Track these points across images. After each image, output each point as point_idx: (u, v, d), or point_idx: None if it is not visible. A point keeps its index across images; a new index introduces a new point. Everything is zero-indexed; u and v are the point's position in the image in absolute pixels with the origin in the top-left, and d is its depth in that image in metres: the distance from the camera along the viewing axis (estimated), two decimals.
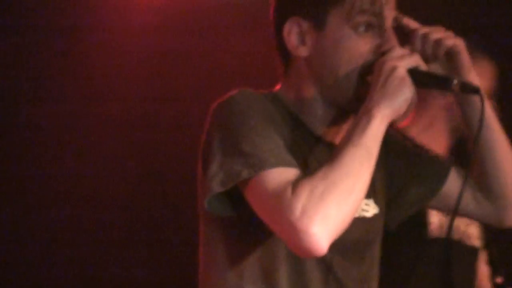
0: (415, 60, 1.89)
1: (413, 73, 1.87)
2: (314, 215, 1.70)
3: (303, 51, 1.95)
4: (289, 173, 1.78)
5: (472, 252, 2.86)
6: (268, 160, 1.78)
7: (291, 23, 1.95)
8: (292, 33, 1.95)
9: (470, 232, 2.83)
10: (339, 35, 1.92)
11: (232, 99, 1.88)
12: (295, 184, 1.74)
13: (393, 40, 1.94)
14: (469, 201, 2.16)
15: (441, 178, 2.20)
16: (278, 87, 2.02)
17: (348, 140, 1.79)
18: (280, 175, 1.77)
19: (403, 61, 1.87)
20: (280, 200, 1.73)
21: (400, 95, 1.84)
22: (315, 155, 1.94)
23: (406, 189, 2.19)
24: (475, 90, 1.91)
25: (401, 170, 2.16)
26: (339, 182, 1.73)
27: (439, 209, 2.30)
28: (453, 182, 2.20)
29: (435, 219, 2.72)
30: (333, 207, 1.72)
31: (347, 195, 1.74)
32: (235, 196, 1.84)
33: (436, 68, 2.04)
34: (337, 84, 1.93)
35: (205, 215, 1.93)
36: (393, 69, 1.85)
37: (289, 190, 1.73)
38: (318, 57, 1.94)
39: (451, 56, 2.03)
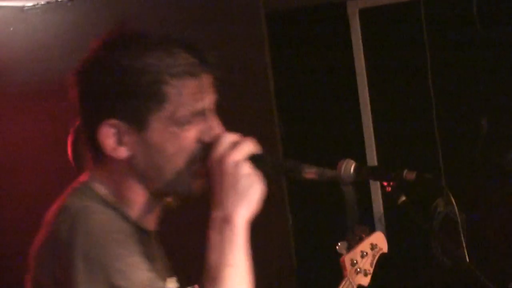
0: (250, 146, 1.83)
1: (256, 161, 1.81)
2: None
3: (122, 152, 1.84)
4: None
5: None
6: None
7: (107, 125, 1.82)
8: (109, 135, 1.83)
9: None
10: (164, 135, 1.82)
11: (85, 222, 1.76)
12: None
13: (217, 125, 1.87)
14: None
15: None
16: (87, 176, 1.90)
17: (222, 259, 1.75)
18: None
19: (240, 151, 1.81)
20: None
21: (253, 193, 1.79)
22: (148, 250, 1.86)
23: None
24: (334, 177, 1.85)
25: None
26: None
27: None
28: None
29: None
30: None
31: None
32: None
33: None
34: (167, 182, 1.84)
35: None
36: (237, 165, 1.79)
37: None
38: (141, 158, 1.84)
39: None
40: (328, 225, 4.32)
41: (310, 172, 1.85)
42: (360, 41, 4.47)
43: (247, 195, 1.78)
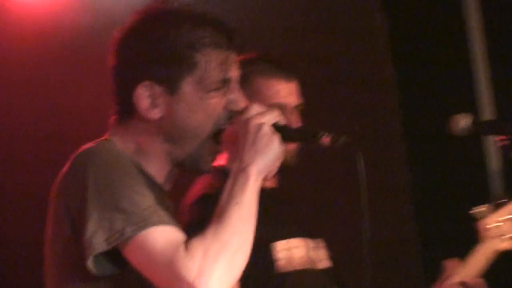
0: (275, 116, 1.99)
1: (279, 128, 1.99)
2: (211, 275, 1.80)
3: (155, 114, 2.00)
4: (173, 231, 1.85)
5: (327, 272, 2.90)
6: (150, 218, 1.84)
7: (143, 87, 2.00)
8: (143, 97, 2.00)
9: (320, 256, 2.88)
10: (193, 99, 2.00)
11: (99, 155, 1.94)
12: (188, 244, 1.81)
13: (243, 99, 2.04)
14: None
15: None
16: (109, 134, 2.06)
17: (231, 199, 1.89)
18: (166, 233, 1.84)
19: (265, 117, 1.98)
20: (173, 260, 1.80)
21: (271, 152, 1.96)
22: (162, 204, 1.96)
23: None
24: (346, 144, 1.97)
25: None
26: (230, 242, 1.84)
27: None
28: None
29: (282, 255, 2.76)
30: (226, 266, 1.82)
31: (237, 254, 1.85)
32: (111, 256, 1.86)
33: None
34: (189, 144, 2.02)
35: (75, 276, 1.91)
36: (260, 126, 1.96)
37: (181, 250, 1.80)
38: (170, 120, 2.01)
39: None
40: (452, 188, 4.29)
41: (325, 138, 1.98)
42: None
43: (264, 152, 1.94)
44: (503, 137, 2.43)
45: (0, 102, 3.95)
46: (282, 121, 2.01)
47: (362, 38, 4.35)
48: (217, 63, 2.01)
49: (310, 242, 2.84)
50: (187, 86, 2.00)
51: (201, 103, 2.00)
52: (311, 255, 2.82)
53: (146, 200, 1.87)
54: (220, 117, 2.01)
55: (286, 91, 2.85)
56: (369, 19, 4.38)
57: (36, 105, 3.96)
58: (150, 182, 1.99)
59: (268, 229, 2.75)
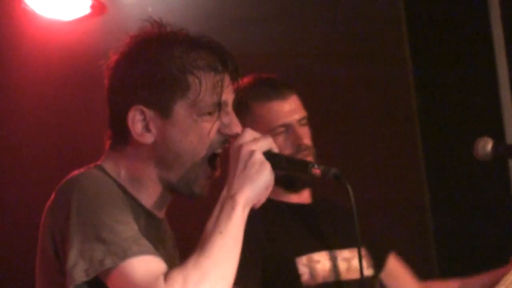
0: (268, 143, 1.98)
1: (270, 156, 1.97)
2: None
3: (148, 138, 1.99)
4: (153, 261, 1.83)
5: (363, 282, 2.86)
6: (130, 248, 1.82)
7: (135, 111, 1.99)
8: (136, 121, 1.99)
9: (355, 266, 2.85)
10: (186, 123, 1.99)
11: (83, 183, 1.92)
12: (168, 274, 1.80)
13: (237, 123, 2.03)
14: None
15: None
16: (102, 160, 2.05)
17: (215, 227, 1.88)
18: (146, 264, 1.82)
19: (258, 144, 1.96)
20: None
21: (260, 180, 1.94)
22: (147, 230, 1.97)
23: None
24: (336, 176, 1.97)
25: None
26: (210, 271, 1.81)
27: None
28: None
29: (305, 270, 2.74)
30: None
31: (218, 284, 1.82)
32: (94, 285, 1.86)
33: None
34: (181, 174, 2.00)
35: None
36: (251, 153, 1.94)
37: (161, 280, 1.79)
38: (163, 143, 1.99)
39: None
40: (474, 210, 4.27)
41: (316, 170, 1.98)
42: (499, 10, 4.36)
43: (254, 180, 1.93)
44: None
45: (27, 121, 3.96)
46: (275, 149, 2.00)
47: (384, 66, 4.35)
48: (210, 86, 1.99)
49: (338, 253, 2.81)
50: (180, 110, 1.98)
51: (195, 127, 1.99)
52: (338, 267, 2.80)
53: (128, 229, 1.85)
54: (214, 141, 2.00)
55: (286, 110, 2.83)
56: (392, 47, 4.39)
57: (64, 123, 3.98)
58: (139, 209, 1.99)
59: (291, 245, 2.75)
